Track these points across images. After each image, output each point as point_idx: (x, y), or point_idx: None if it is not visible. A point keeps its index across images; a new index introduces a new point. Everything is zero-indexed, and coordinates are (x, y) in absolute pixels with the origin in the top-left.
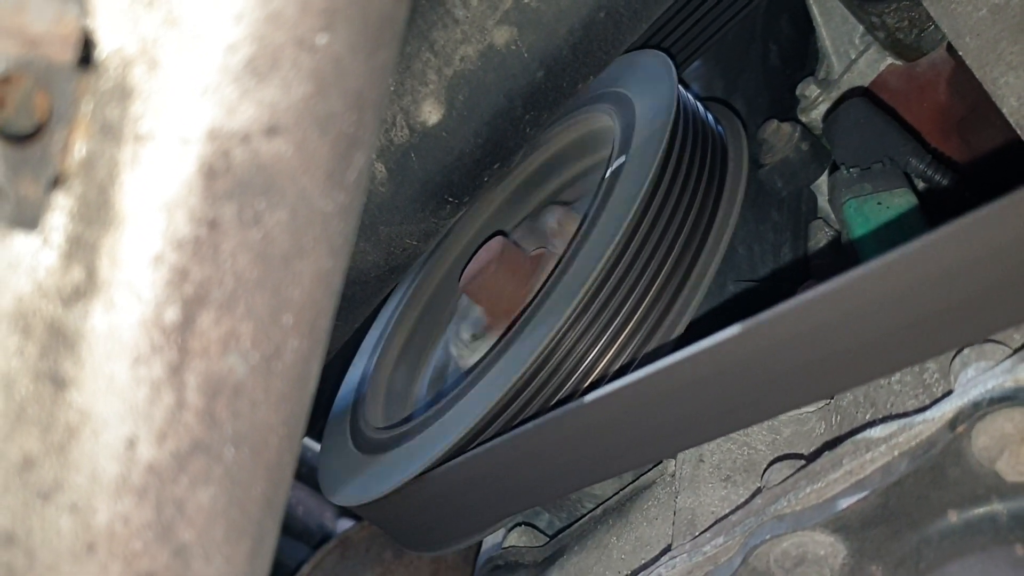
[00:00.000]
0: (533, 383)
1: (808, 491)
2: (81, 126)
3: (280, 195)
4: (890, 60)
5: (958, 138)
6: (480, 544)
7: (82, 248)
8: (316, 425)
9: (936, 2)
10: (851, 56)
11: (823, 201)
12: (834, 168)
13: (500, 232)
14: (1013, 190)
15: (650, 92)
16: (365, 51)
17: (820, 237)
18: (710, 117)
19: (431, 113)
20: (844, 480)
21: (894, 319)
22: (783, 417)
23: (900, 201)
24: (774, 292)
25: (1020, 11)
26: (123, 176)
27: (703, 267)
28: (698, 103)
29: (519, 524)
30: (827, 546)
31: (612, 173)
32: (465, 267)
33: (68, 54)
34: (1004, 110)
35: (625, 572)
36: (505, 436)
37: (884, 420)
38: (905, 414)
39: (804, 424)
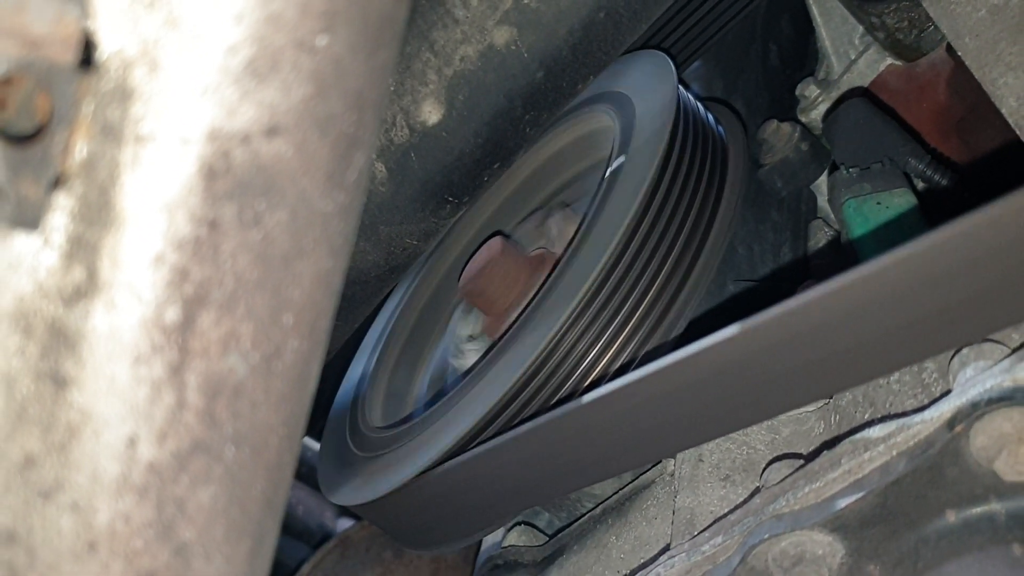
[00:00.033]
0: (532, 383)
1: (807, 491)
2: (82, 127)
3: (280, 196)
4: (890, 60)
5: (957, 138)
6: (480, 543)
7: (83, 248)
8: (316, 424)
9: (935, 3)
10: (851, 56)
11: (823, 201)
12: (834, 168)
13: (500, 232)
14: (1012, 190)
15: (650, 92)
16: (365, 52)
17: (820, 237)
18: (710, 117)
19: (431, 113)
20: (842, 480)
21: (893, 319)
22: (782, 417)
23: (899, 201)
24: (773, 292)
25: (1019, 12)
26: (124, 177)
27: (702, 267)
28: (698, 103)
29: (519, 523)
30: (825, 545)
31: (612, 173)
32: (465, 267)
33: (69, 55)
34: (1003, 110)
35: (624, 571)
36: (505, 436)
37: (883, 420)
38: (904, 414)
39: (803, 424)
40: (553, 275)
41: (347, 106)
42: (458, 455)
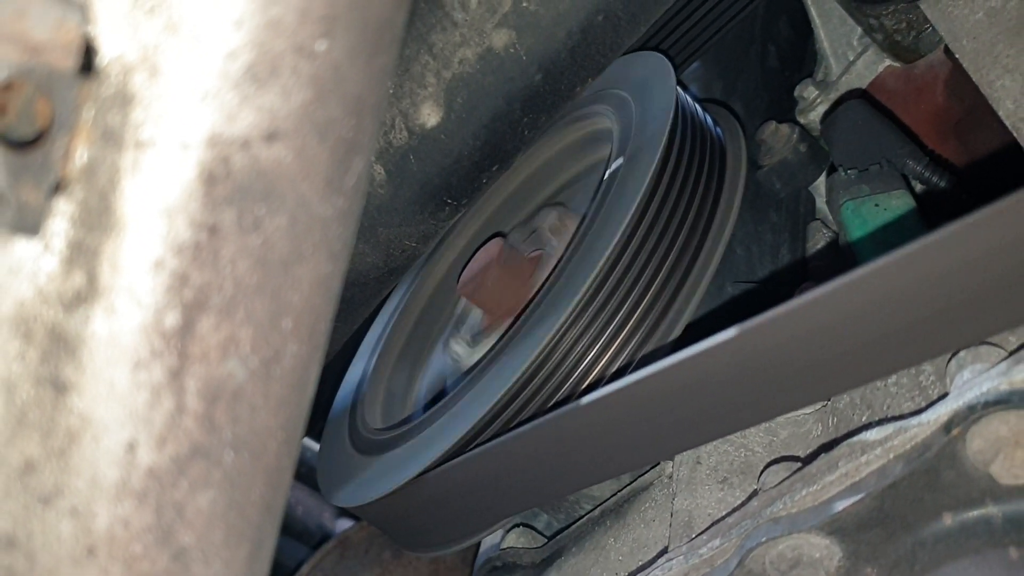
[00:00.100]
0: (531, 385)
1: (804, 493)
2: (82, 132)
3: (279, 201)
4: (888, 62)
5: (955, 140)
6: (478, 545)
7: (83, 254)
8: (315, 426)
9: (933, 5)
10: (849, 58)
11: (821, 202)
12: (832, 170)
13: (498, 234)
14: (1010, 192)
15: (649, 94)
16: (364, 56)
17: (818, 238)
18: (709, 119)
19: (430, 116)
20: (840, 483)
21: (891, 321)
22: (780, 419)
23: (897, 203)
24: (772, 293)
25: (1016, 14)
26: (124, 182)
27: (701, 269)
28: (697, 105)
29: (517, 525)
30: (823, 548)
31: (611, 175)
32: (464, 269)
33: (70, 61)
34: (1000, 112)
35: (622, 574)
36: (503, 437)
37: (880, 422)
38: (901, 416)
39: (801, 426)
40: (552, 277)
41: (346, 111)
42: (457, 456)
